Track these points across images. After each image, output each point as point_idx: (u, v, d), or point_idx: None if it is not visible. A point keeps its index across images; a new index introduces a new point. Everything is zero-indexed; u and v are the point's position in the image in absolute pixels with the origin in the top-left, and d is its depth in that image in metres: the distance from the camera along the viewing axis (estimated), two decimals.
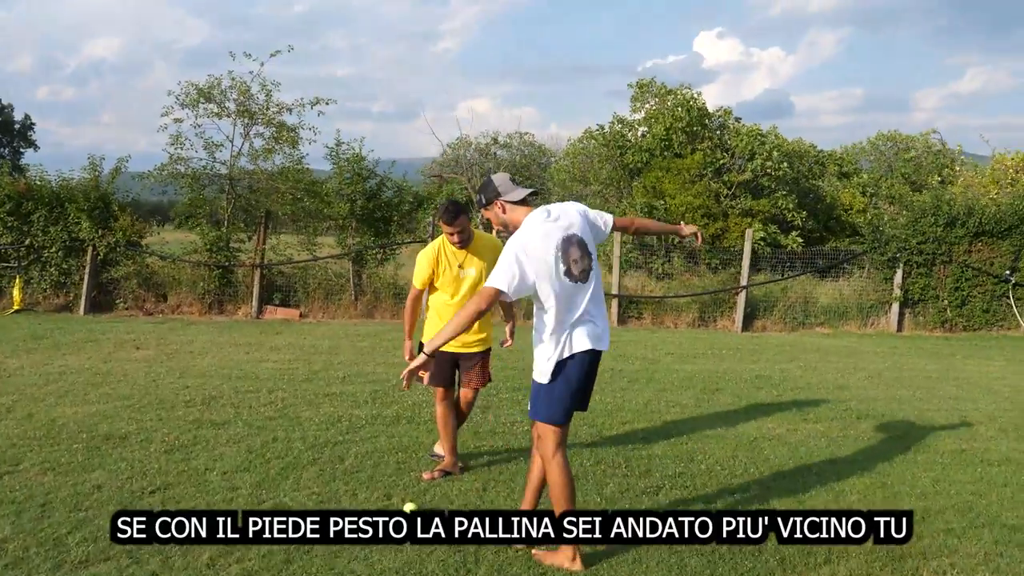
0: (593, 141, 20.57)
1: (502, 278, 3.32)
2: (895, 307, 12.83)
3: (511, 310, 4.75)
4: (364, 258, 11.86)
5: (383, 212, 11.84)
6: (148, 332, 9.52)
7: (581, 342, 3.43)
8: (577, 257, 3.40)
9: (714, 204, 18.47)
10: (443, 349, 4.07)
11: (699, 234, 4.01)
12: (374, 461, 4.75)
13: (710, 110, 19.82)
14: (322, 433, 5.26)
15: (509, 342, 4.69)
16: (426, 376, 4.47)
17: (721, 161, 18.92)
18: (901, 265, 12.71)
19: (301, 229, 12.18)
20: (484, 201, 3.62)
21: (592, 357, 3.49)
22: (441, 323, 4.43)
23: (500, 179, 3.64)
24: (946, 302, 12.92)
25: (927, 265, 12.77)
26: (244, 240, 11.83)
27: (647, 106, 21.04)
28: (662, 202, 18.35)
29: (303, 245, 11.89)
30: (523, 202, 3.57)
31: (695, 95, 19.61)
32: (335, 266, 11.96)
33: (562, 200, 4.25)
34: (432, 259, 4.46)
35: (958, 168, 23.79)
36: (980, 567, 3.70)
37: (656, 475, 4.79)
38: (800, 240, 18.39)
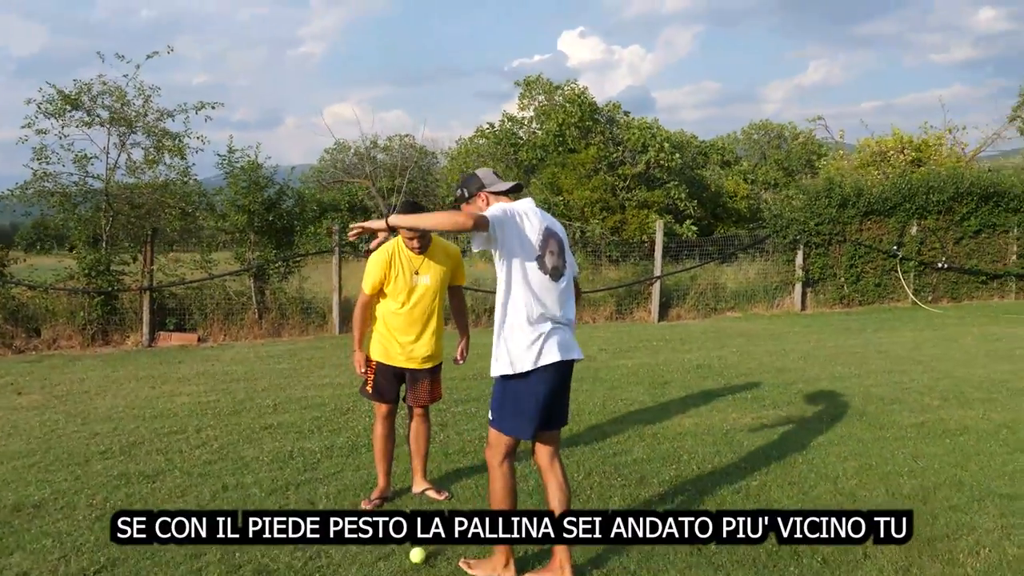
0: (484, 140, 20.29)
1: (494, 211, 3.17)
2: (798, 287, 13.28)
3: (464, 320, 4.40)
4: (266, 273, 11.01)
5: (284, 222, 11.04)
6: (25, 373, 8.36)
7: (551, 352, 3.18)
8: (554, 250, 3.26)
9: (611, 197, 18.63)
10: (391, 364, 4.14)
11: None
12: (350, 501, 4.20)
13: (599, 105, 20.01)
14: (277, 474, 4.64)
15: (461, 359, 4.31)
16: (370, 383, 4.17)
17: (614, 155, 19.11)
18: (801, 247, 13.17)
19: (193, 246, 11.16)
20: (467, 195, 3.41)
21: (564, 368, 3.27)
22: (389, 333, 4.12)
23: (484, 172, 3.48)
24: (843, 279, 13.51)
25: (824, 245, 13.29)
26: (128, 262, 10.67)
27: (535, 103, 21.03)
28: (560, 198, 18.34)
29: (196, 263, 10.89)
30: (506, 195, 3.39)
31: (583, 89, 19.73)
32: (234, 284, 11.04)
33: None
34: (384, 263, 4.04)
35: (825, 158, 25.13)
36: (1004, 541, 3.65)
37: (653, 482, 4.52)
38: (695, 228, 18.86)
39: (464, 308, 4.45)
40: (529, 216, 3.23)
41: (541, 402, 3.19)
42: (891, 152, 19.74)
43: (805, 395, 6.67)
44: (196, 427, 5.76)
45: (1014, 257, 14.38)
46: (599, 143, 19.21)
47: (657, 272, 12.62)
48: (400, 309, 4.07)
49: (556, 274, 3.23)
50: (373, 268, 4.05)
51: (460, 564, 3.38)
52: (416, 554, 3.37)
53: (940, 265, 13.81)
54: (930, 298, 13.83)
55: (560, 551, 3.23)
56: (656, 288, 12.57)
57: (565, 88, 20.03)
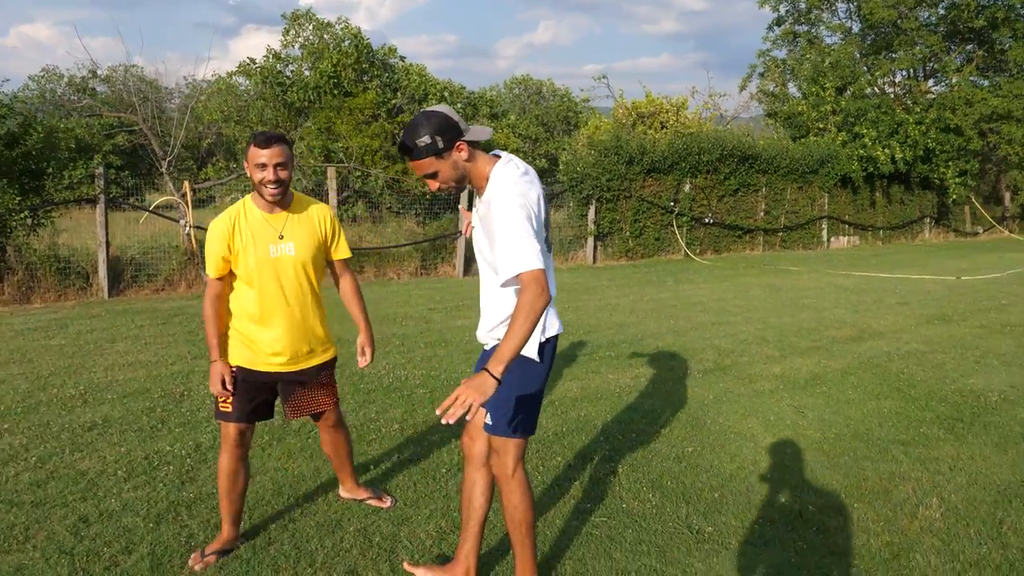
0: (247, 78, 18.27)
1: (533, 249, 2.31)
2: (590, 241, 13.73)
3: (361, 306, 3.29)
4: (8, 226, 8.87)
5: (29, 163, 8.91)
6: None
7: (553, 324, 2.69)
8: (545, 221, 2.63)
9: (391, 146, 17.78)
10: (255, 368, 3.02)
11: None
12: (283, 502, 3.36)
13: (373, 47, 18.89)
14: (151, 492, 3.60)
15: (366, 359, 3.25)
16: (228, 400, 2.99)
17: (393, 101, 18.22)
18: (594, 202, 13.59)
19: None
20: (441, 146, 2.46)
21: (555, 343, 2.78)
22: (245, 338, 2.99)
23: (450, 112, 2.55)
24: (628, 233, 14.22)
25: (613, 200, 13.85)
26: None
27: (300, 40, 19.33)
28: (339, 144, 17.15)
29: None
30: (477, 144, 2.58)
31: (358, 29, 18.48)
32: None
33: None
34: (226, 233, 2.89)
35: (583, 114, 26.33)
36: (936, 490, 3.88)
37: (595, 459, 4.22)
38: None
39: (357, 290, 3.27)
40: (539, 190, 2.56)
41: (543, 382, 2.67)
42: (647, 114, 21.13)
43: (660, 351, 6.79)
44: None
45: (762, 214, 16.16)
46: (376, 87, 18.20)
47: (461, 225, 12.27)
48: (258, 299, 2.95)
49: (549, 245, 2.68)
50: (213, 242, 2.90)
51: (405, 566, 2.89)
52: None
53: (708, 220, 15.09)
54: (698, 251, 15.09)
55: (473, 556, 2.79)
56: (461, 243, 12.23)
57: (337, 26, 18.62)
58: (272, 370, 3.02)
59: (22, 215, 8.88)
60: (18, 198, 8.81)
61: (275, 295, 2.95)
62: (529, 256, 2.29)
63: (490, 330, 2.65)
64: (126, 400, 5.08)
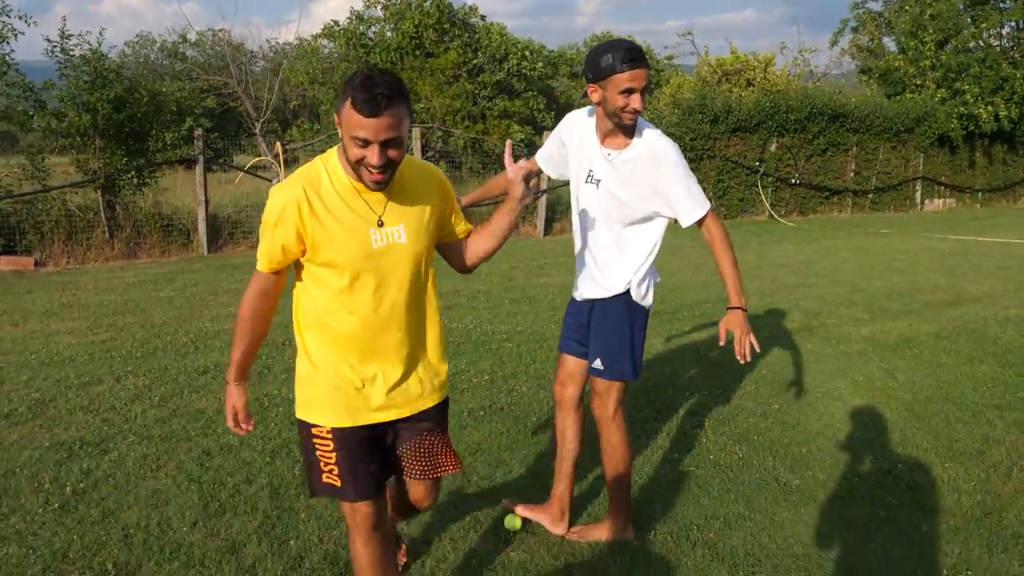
0: (333, 41, 18.64)
1: (704, 195, 2.67)
2: None
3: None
4: (117, 185, 9.43)
5: (135, 125, 9.41)
6: None
7: (655, 273, 2.84)
8: None
9: (472, 106, 17.92)
10: (355, 425, 2.03)
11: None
12: None
13: (454, 7, 18.94)
14: (265, 431, 3.90)
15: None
16: (325, 468, 2.06)
17: (474, 61, 18.30)
18: None
19: (15, 151, 9.26)
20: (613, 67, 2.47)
21: None
22: (335, 377, 2.02)
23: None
24: (711, 193, 14.00)
25: (697, 160, 13.63)
26: None
27: (382, 1, 19.53)
28: (421, 105, 17.37)
29: (25, 172, 9.07)
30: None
31: None
32: (76, 197, 9.37)
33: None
34: (296, 211, 1.92)
35: (665, 72, 25.71)
36: None
37: (700, 411, 4.30)
38: None
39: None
40: None
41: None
42: (732, 71, 20.52)
43: (749, 311, 6.75)
44: (114, 375, 4.76)
45: (851, 175, 15.61)
46: (457, 48, 18.29)
47: (543, 185, 12.32)
48: (358, 310, 2.01)
49: None
50: (273, 224, 1.95)
51: (506, 504, 3.05)
52: (513, 521, 2.92)
53: (794, 181, 14.69)
54: (783, 212, 14.74)
55: (567, 496, 2.92)
56: (542, 203, 12.31)
57: None
58: (384, 419, 2.08)
59: (129, 175, 9.42)
60: (125, 159, 9.34)
61: (381, 311, 2.02)
62: (706, 200, 2.64)
63: (612, 278, 2.71)
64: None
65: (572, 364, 2.87)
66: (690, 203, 2.59)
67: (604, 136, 2.63)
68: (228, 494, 3.18)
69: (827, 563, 2.76)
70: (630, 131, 2.59)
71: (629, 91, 2.44)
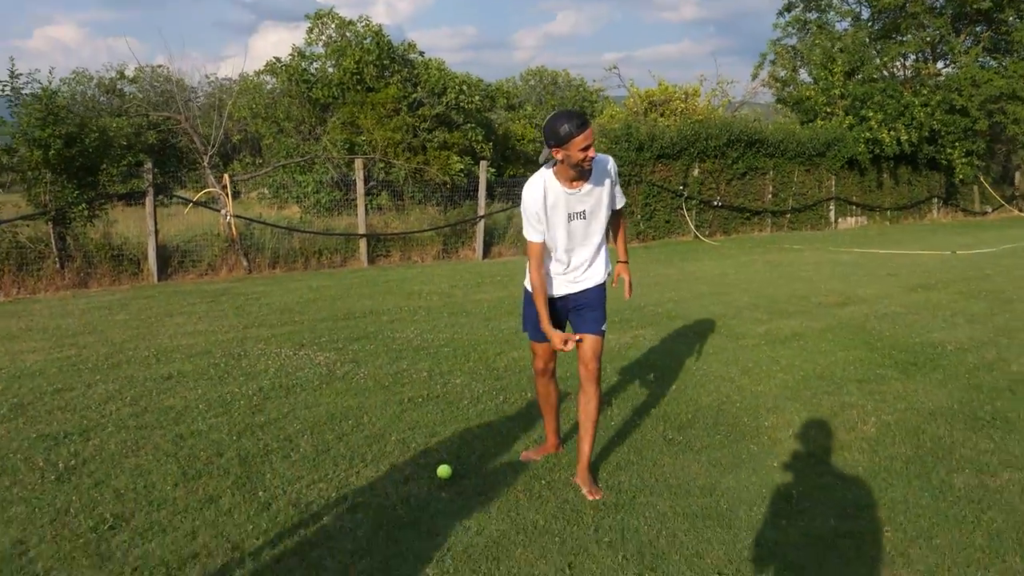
0: (275, 76, 19.17)
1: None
2: None
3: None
4: (68, 217, 9.80)
5: (86, 160, 9.82)
6: None
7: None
8: None
9: (413, 138, 18.61)
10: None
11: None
12: (333, 433, 4.19)
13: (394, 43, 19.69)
14: (228, 419, 4.44)
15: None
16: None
17: (413, 95, 19.03)
18: None
19: None
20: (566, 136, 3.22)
21: None
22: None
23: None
24: (639, 216, 14.94)
25: (624, 185, 14.55)
26: None
27: (323, 38, 20.19)
28: (362, 137, 18.00)
29: None
30: None
31: (379, 26, 19.30)
32: (28, 229, 9.70)
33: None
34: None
35: (597, 104, 26.93)
36: (876, 411, 4.61)
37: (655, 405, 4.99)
38: (492, 170, 19.51)
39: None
40: None
41: None
42: (660, 102, 21.75)
43: (660, 316, 7.54)
44: (84, 383, 5.24)
45: (769, 196, 16.78)
46: (397, 82, 19.01)
47: (481, 212, 13.06)
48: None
49: None
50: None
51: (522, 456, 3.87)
52: (444, 470, 3.55)
53: (716, 203, 15.76)
54: (707, 232, 15.76)
55: (557, 433, 3.90)
56: (480, 227, 13.03)
57: (359, 24, 19.46)
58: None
59: (80, 207, 9.80)
60: (76, 192, 9.73)
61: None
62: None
63: (594, 273, 3.55)
64: (192, 359, 5.94)
65: (547, 348, 3.62)
66: (621, 192, 3.58)
67: (570, 181, 3.33)
68: (202, 464, 3.74)
69: (693, 489, 3.47)
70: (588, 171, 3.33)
71: (586, 147, 3.17)
